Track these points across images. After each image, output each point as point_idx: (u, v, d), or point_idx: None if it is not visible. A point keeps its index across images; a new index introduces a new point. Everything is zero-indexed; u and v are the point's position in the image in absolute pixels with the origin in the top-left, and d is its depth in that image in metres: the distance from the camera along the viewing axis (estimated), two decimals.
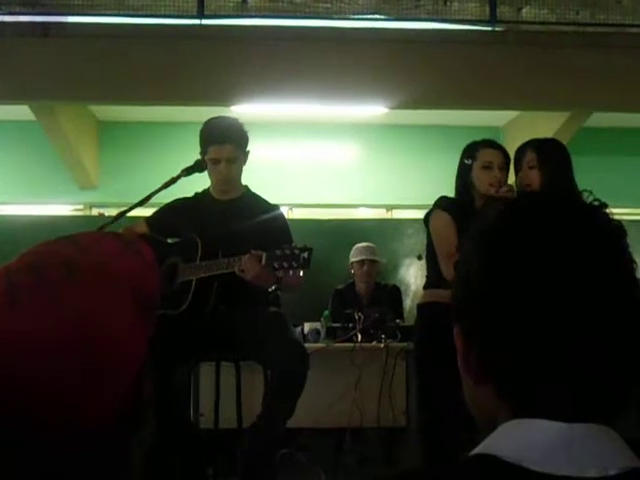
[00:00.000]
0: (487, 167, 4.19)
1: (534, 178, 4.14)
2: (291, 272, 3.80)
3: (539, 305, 1.03)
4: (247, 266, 3.83)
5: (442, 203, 4.25)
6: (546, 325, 1.03)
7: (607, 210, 1.12)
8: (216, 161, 4.18)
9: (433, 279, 4.24)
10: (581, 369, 1.03)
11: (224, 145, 4.16)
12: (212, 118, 4.31)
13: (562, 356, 1.02)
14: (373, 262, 6.53)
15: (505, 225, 1.10)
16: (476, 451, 1.05)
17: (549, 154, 4.19)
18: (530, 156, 4.17)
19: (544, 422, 1.02)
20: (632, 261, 1.09)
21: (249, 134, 4.31)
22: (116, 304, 1.16)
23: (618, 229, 1.09)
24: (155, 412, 4.00)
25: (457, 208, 4.18)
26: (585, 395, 1.03)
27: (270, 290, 4.02)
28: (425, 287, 4.35)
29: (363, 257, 6.53)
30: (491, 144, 4.29)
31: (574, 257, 1.04)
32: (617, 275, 1.06)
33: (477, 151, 4.25)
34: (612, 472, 0.99)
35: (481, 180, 4.19)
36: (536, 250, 1.05)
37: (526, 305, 1.03)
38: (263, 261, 3.81)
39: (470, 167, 4.23)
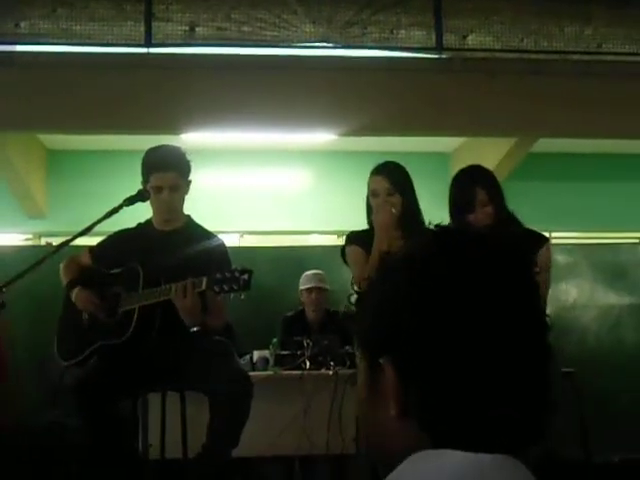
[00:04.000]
0: (374, 195, 4.24)
1: (489, 215, 4.10)
2: (232, 295, 3.80)
3: (454, 341, 1.05)
4: (175, 296, 3.83)
5: (351, 238, 4.33)
6: (458, 360, 1.04)
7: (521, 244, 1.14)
8: (158, 189, 4.16)
9: None
10: (492, 402, 1.04)
11: (167, 173, 4.15)
12: (154, 147, 4.30)
13: (475, 389, 1.04)
14: (321, 290, 6.52)
15: (421, 263, 1.11)
16: None
17: (496, 188, 4.18)
18: (482, 195, 4.10)
19: (453, 452, 1.03)
20: (538, 296, 1.12)
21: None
22: None
23: (529, 262, 1.12)
24: (101, 444, 3.97)
25: (366, 238, 4.22)
26: (495, 427, 1.04)
27: (193, 330, 3.97)
28: None
29: (311, 285, 6.51)
30: (377, 170, 4.30)
31: (488, 295, 1.06)
32: (530, 312, 1.08)
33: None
34: None
35: (373, 207, 4.23)
36: (454, 288, 1.07)
37: (441, 339, 1.05)
38: (204, 285, 3.80)
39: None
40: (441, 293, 1.07)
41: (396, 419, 1.10)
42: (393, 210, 4.16)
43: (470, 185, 4.16)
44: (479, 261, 1.09)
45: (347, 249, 4.32)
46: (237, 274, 3.76)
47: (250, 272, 3.77)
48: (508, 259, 1.11)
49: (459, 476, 1.01)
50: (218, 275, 3.77)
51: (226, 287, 3.75)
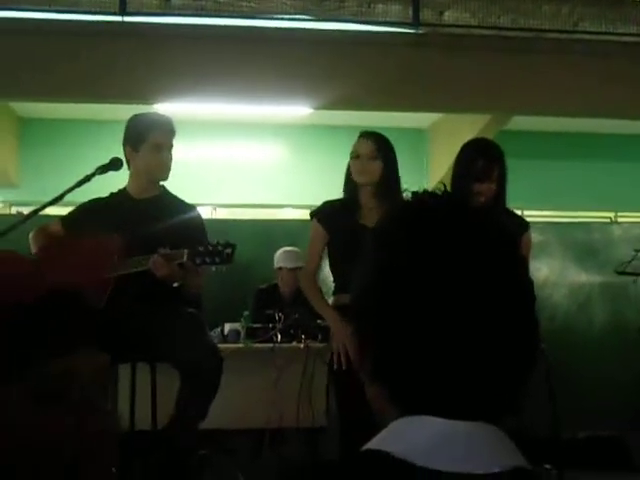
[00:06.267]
0: (355, 157, 4.22)
1: (492, 192, 4.15)
2: (214, 268, 3.79)
3: (427, 308, 1.05)
4: (156, 266, 3.80)
5: (319, 211, 4.28)
6: (432, 327, 1.04)
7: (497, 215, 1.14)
8: (159, 147, 4.18)
9: (339, 284, 4.27)
10: (467, 370, 1.04)
11: (169, 132, 4.22)
12: (142, 112, 4.37)
13: (449, 357, 1.04)
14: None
15: (399, 231, 1.11)
16: (367, 446, 1.07)
17: (505, 172, 4.23)
18: (496, 172, 4.16)
19: (430, 419, 1.04)
20: (522, 266, 1.11)
21: None
22: None
23: (508, 235, 1.12)
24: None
25: (339, 208, 4.21)
26: (471, 395, 1.05)
27: (175, 285, 3.96)
28: (334, 292, 4.37)
29: (295, 265, 6.43)
30: (364, 134, 4.28)
31: (461, 263, 1.06)
32: (505, 281, 1.08)
33: None
34: (495, 469, 1.02)
35: (352, 170, 4.22)
36: (427, 256, 1.06)
37: (414, 307, 1.05)
38: (185, 257, 3.78)
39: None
40: (404, 261, 1.07)
41: (369, 384, 1.12)
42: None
43: (491, 158, 4.21)
44: (445, 229, 1.08)
45: (312, 222, 4.30)
46: (220, 247, 3.75)
47: (233, 246, 3.77)
48: (487, 231, 1.10)
49: (439, 442, 1.02)
50: (200, 248, 3.76)
51: (208, 260, 3.74)
